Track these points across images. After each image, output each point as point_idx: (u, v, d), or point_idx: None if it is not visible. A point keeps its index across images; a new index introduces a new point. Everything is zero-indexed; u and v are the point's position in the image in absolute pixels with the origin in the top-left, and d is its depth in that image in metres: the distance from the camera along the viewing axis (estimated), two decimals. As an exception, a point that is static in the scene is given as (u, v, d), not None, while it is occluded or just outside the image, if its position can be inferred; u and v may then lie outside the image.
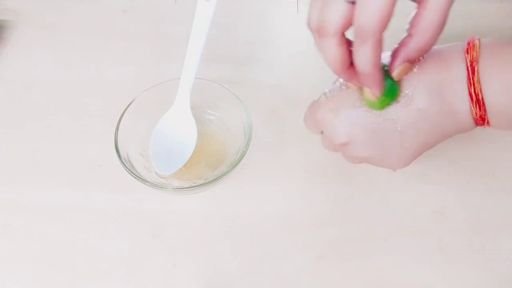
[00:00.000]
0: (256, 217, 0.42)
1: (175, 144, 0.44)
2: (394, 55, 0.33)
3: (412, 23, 0.31)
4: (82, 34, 0.57)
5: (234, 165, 0.40)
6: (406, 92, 0.34)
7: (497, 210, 0.42)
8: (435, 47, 0.35)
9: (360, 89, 0.35)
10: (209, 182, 0.40)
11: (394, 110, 0.34)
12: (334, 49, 0.32)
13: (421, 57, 0.34)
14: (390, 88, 0.34)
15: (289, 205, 0.43)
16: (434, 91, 0.34)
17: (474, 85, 0.32)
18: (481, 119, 0.33)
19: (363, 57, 0.31)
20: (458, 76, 0.33)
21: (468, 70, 0.32)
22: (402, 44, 0.32)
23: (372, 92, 0.34)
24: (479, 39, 0.34)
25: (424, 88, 0.34)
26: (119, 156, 0.40)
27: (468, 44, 0.34)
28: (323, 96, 0.38)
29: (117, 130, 0.41)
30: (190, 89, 0.43)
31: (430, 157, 0.37)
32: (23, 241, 0.41)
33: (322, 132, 0.39)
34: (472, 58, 0.33)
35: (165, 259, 0.40)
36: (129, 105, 0.43)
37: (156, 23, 0.58)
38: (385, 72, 0.34)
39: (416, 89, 0.34)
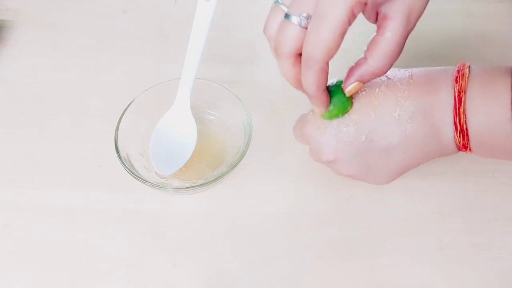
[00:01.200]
0: (256, 217, 0.42)
1: (175, 144, 0.44)
2: (349, 73, 0.34)
3: (369, 47, 0.32)
4: (82, 34, 0.57)
5: (234, 165, 0.40)
6: (394, 114, 0.35)
7: (497, 210, 0.42)
8: (427, 69, 0.36)
9: None
10: (209, 182, 0.40)
11: (381, 131, 0.35)
12: (289, 69, 0.33)
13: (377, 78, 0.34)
14: (341, 103, 0.35)
15: (289, 205, 0.43)
16: (421, 114, 0.35)
17: (459, 115, 0.33)
18: (464, 147, 0.35)
19: (308, 81, 0.33)
20: (445, 104, 0.34)
21: (455, 100, 0.33)
22: (357, 64, 0.33)
23: (318, 111, 0.36)
24: (469, 66, 0.34)
25: (412, 111, 0.35)
26: (119, 156, 0.40)
27: (458, 72, 0.34)
28: (311, 112, 0.39)
29: (117, 130, 0.41)
30: (190, 89, 0.43)
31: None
32: (23, 241, 0.41)
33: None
34: (460, 88, 0.33)
35: (165, 259, 0.40)
36: (129, 105, 0.43)
37: (156, 23, 0.58)
38: (339, 86, 0.35)
39: (404, 112, 0.35)
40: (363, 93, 0.36)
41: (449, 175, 0.44)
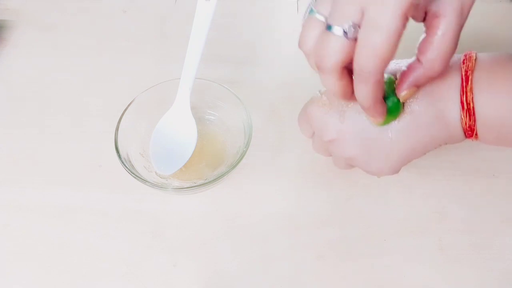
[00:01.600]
0: (256, 217, 0.42)
1: (175, 144, 0.44)
2: (402, 78, 0.33)
3: (421, 49, 0.31)
4: (82, 34, 0.57)
5: (234, 165, 0.40)
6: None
7: (497, 210, 0.42)
8: None
9: None
10: (209, 182, 0.40)
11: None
12: (335, 83, 0.31)
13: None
14: (394, 107, 0.34)
15: (289, 205, 0.43)
16: (427, 98, 0.34)
17: (466, 93, 0.32)
18: (470, 130, 0.33)
19: (363, 94, 0.31)
20: (452, 85, 0.33)
21: (462, 78, 0.33)
22: (410, 68, 0.32)
23: (376, 121, 0.34)
24: (476, 53, 0.34)
25: (418, 94, 0.34)
26: (119, 156, 0.40)
27: (465, 56, 0.34)
28: (318, 92, 0.38)
29: (117, 130, 0.41)
30: (190, 89, 0.43)
31: (431, 157, 0.37)
32: (23, 241, 0.41)
33: (313, 133, 0.39)
34: (468, 68, 0.33)
35: (165, 259, 0.40)
36: (129, 105, 0.43)
37: (156, 23, 0.58)
38: (390, 86, 0.34)
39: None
40: None
41: (449, 175, 0.44)
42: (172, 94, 0.44)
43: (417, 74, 0.31)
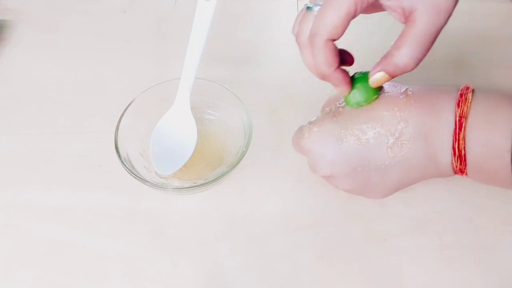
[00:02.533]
0: (256, 217, 0.42)
1: (175, 144, 0.44)
2: (375, 65, 0.34)
3: (397, 38, 0.32)
4: (82, 34, 0.57)
5: (234, 165, 0.40)
6: (392, 134, 0.35)
7: (497, 210, 0.42)
8: (428, 87, 0.36)
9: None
10: (209, 182, 0.40)
11: (378, 151, 0.35)
12: (309, 57, 0.34)
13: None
14: (365, 89, 0.35)
15: (289, 205, 0.43)
16: (421, 136, 0.34)
17: (459, 141, 0.33)
18: (460, 171, 0.34)
19: (318, 60, 0.33)
20: (446, 128, 0.33)
21: (456, 124, 0.33)
22: (384, 57, 0.33)
23: (339, 91, 0.35)
24: (472, 90, 0.34)
25: (412, 132, 0.34)
26: (119, 156, 0.40)
27: (461, 95, 0.34)
28: (308, 125, 0.38)
29: (117, 130, 0.41)
30: (190, 89, 0.43)
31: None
32: (23, 241, 0.41)
33: None
34: (462, 113, 0.33)
35: (165, 259, 0.40)
36: (129, 105, 0.43)
37: (156, 23, 0.58)
38: (365, 75, 0.35)
39: (404, 132, 0.34)
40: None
41: (449, 175, 0.44)
42: (172, 94, 0.44)
43: (387, 61, 0.32)
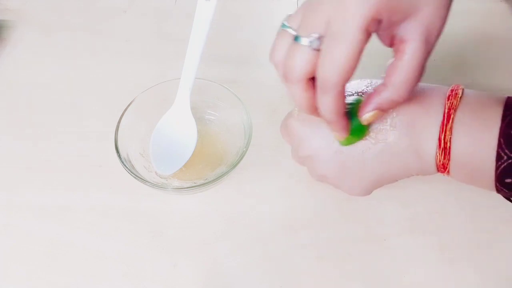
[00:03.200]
0: (256, 217, 0.42)
1: (175, 144, 0.44)
2: (366, 100, 0.33)
3: (388, 73, 0.31)
4: (82, 34, 0.57)
5: (234, 165, 0.40)
6: (382, 121, 0.34)
7: (497, 210, 0.42)
8: (421, 84, 0.35)
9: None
10: (209, 182, 0.40)
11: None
12: (301, 94, 0.32)
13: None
14: (358, 128, 0.34)
15: (289, 205, 0.43)
16: (406, 128, 0.34)
17: (445, 132, 0.32)
18: (443, 167, 0.34)
19: (326, 107, 0.31)
20: (433, 118, 0.33)
21: (444, 115, 0.32)
22: (376, 91, 0.32)
23: (338, 136, 0.34)
24: (463, 89, 0.34)
25: (397, 124, 0.34)
26: (119, 156, 0.40)
27: (452, 91, 0.34)
28: (295, 109, 0.38)
29: (117, 130, 0.41)
30: (190, 89, 0.43)
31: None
32: (23, 241, 0.41)
33: None
34: (451, 106, 0.33)
35: (165, 259, 0.40)
36: (129, 105, 0.43)
37: (156, 23, 0.58)
38: (354, 109, 0.34)
39: (391, 119, 0.34)
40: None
41: (449, 175, 0.44)
42: (172, 94, 0.44)
43: (382, 97, 0.31)
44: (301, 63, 0.30)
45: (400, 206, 0.42)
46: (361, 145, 0.35)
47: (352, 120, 0.34)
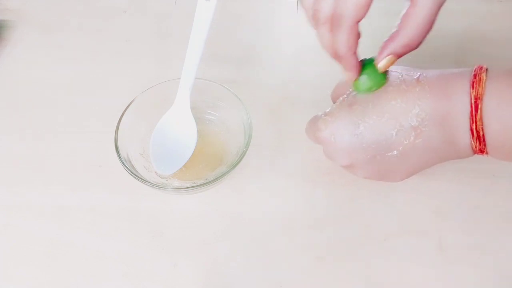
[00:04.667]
0: (255, 217, 0.42)
1: (175, 144, 0.44)
2: (382, 47, 0.34)
3: (401, 19, 0.32)
4: (82, 34, 0.57)
5: (234, 165, 0.40)
6: (407, 120, 0.35)
7: (497, 210, 0.42)
8: (441, 71, 0.35)
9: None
10: (209, 182, 0.40)
11: (395, 137, 0.35)
12: (327, 35, 0.34)
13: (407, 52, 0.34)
14: (374, 75, 0.36)
15: (289, 205, 0.43)
16: (437, 121, 0.34)
17: (476, 122, 0.32)
18: (480, 151, 0.34)
19: (339, 40, 0.34)
20: (461, 110, 0.33)
21: (471, 106, 0.32)
22: (390, 38, 0.34)
23: (348, 76, 0.36)
24: (486, 70, 0.33)
25: (428, 118, 0.34)
26: (119, 156, 0.40)
27: (475, 76, 0.33)
28: (323, 117, 0.38)
29: (117, 130, 0.41)
30: (190, 89, 0.43)
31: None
32: (23, 241, 0.41)
33: None
34: (477, 94, 0.32)
35: (165, 259, 0.40)
36: (129, 105, 0.43)
37: (156, 23, 0.58)
38: (373, 61, 0.36)
39: (420, 119, 0.34)
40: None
41: (449, 175, 0.44)
42: (172, 94, 0.44)
43: (395, 42, 0.33)
44: (326, 5, 0.33)
45: (400, 206, 0.42)
46: (397, 147, 0.35)
47: (369, 68, 0.36)
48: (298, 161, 0.45)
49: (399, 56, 0.34)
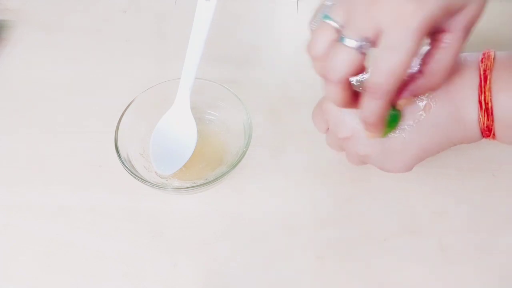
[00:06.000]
0: (256, 217, 0.42)
1: (175, 144, 0.44)
2: (402, 87, 0.32)
3: (425, 61, 0.31)
4: (82, 34, 0.57)
5: (234, 165, 0.40)
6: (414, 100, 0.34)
7: (497, 210, 0.42)
8: None
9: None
10: (209, 182, 0.40)
11: (405, 111, 0.34)
12: (339, 93, 0.31)
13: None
14: (392, 119, 0.34)
15: (289, 205, 0.43)
16: (444, 97, 0.34)
17: (485, 93, 0.32)
18: (488, 130, 0.33)
19: (372, 111, 0.31)
20: (470, 83, 0.33)
21: (480, 77, 0.32)
22: (412, 78, 0.32)
23: (370, 135, 0.35)
24: (494, 52, 0.34)
25: (436, 93, 0.34)
26: (119, 156, 0.40)
27: (484, 54, 0.34)
28: None
29: (117, 130, 0.41)
30: (190, 89, 0.43)
31: (431, 157, 0.37)
32: (23, 241, 0.41)
33: (328, 129, 0.39)
34: (486, 67, 0.33)
35: (165, 259, 0.40)
36: (129, 105, 0.43)
37: (156, 23, 0.58)
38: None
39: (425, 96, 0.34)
40: None
41: (449, 175, 0.44)
42: (172, 94, 0.44)
43: (418, 84, 0.32)
44: (345, 64, 0.29)
45: (401, 206, 0.42)
46: (403, 120, 0.35)
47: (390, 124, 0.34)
48: (298, 161, 0.45)
49: (418, 96, 0.33)
